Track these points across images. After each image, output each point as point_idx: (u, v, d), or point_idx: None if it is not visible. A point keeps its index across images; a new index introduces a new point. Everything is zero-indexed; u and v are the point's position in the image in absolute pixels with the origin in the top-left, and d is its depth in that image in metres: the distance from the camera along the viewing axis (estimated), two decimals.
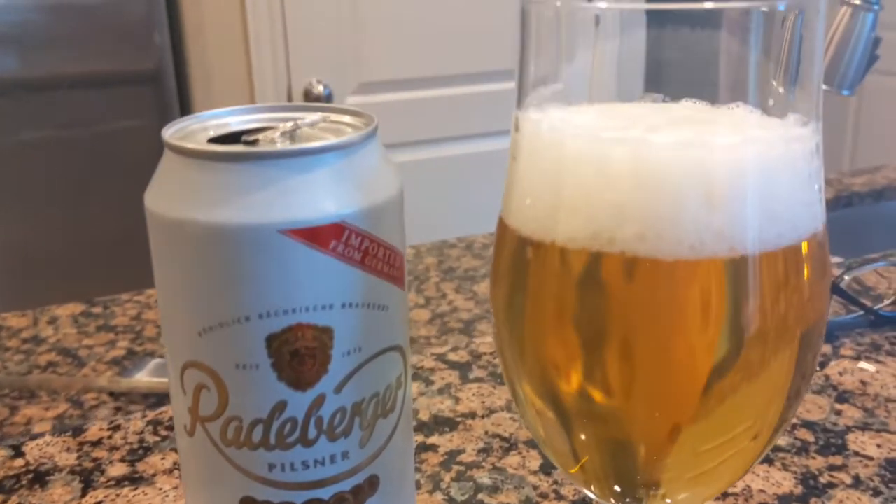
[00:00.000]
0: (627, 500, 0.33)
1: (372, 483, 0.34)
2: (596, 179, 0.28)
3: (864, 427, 0.55)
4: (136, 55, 1.82)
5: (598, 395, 0.30)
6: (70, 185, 1.78)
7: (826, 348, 0.65)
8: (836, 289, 0.67)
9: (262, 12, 1.76)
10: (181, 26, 1.85)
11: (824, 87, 0.93)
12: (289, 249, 0.30)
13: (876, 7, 0.94)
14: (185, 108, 1.87)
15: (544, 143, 0.30)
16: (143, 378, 0.77)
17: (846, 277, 0.68)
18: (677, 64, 0.33)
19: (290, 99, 1.82)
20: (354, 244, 0.31)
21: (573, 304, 0.30)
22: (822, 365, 0.63)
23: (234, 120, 0.35)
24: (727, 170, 0.28)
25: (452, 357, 0.66)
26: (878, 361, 0.63)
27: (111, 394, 0.75)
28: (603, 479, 0.32)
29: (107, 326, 0.85)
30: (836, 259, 1.12)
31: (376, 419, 0.34)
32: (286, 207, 0.30)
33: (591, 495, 0.34)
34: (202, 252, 0.30)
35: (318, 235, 0.30)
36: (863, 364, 0.63)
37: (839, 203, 1.26)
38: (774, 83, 0.31)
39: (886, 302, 0.69)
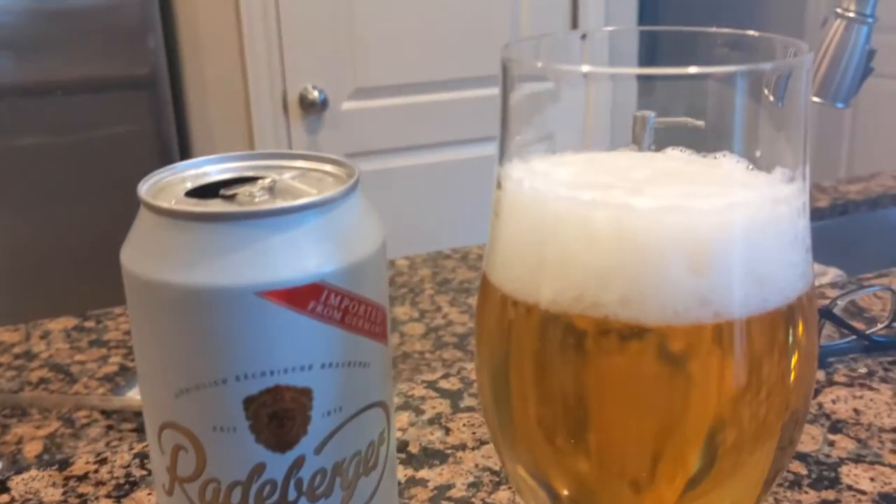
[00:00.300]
0: None
1: None
2: (578, 243, 0.28)
3: (857, 459, 0.55)
4: (130, 60, 1.81)
5: (579, 462, 0.30)
6: (65, 191, 1.77)
7: (819, 375, 0.65)
8: (829, 314, 0.66)
9: (257, 17, 1.75)
10: (175, 31, 1.84)
11: (818, 99, 0.93)
12: (266, 311, 0.29)
13: (870, 20, 0.94)
14: (180, 113, 1.86)
15: (526, 202, 0.29)
16: (136, 396, 0.76)
17: (839, 302, 0.68)
18: (663, 114, 0.32)
19: (284, 105, 1.81)
20: (334, 303, 0.31)
21: (555, 366, 0.29)
22: (816, 392, 0.62)
23: (212, 169, 0.34)
24: (712, 235, 0.27)
25: (444, 385, 0.66)
26: (871, 388, 0.63)
27: (103, 412, 0.74)
28: None
29: (99, 341, 0.84)
30: (832, 270, 1.11)
31: (358, 478, 0.33)
32: (264, 268, 0.29)
33: None
34: (177, 313, 0.30)
35: (296, 296, 0.30)
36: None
37: (834, 211, 1.26)
38: (761, 134, 0.30)
39: (880, 326, 0.69)
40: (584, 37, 0.35)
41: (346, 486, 0.33)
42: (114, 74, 1.81)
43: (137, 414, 0.74)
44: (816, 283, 0.32)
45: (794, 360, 0.29)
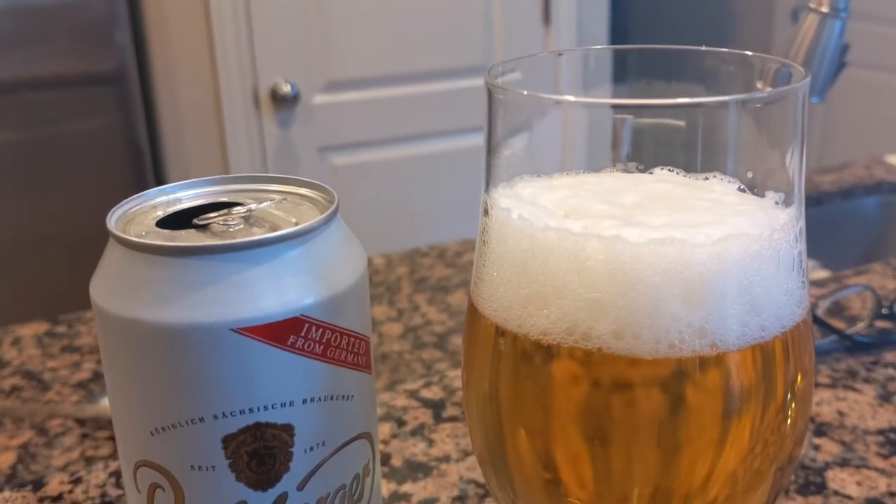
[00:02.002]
0: None
1: None
2: (570, 274, 0.27)
3: (842, 463, 0.55)
4: (97, 55, 1.78)
5: (568, 486, 0.29)
6: (34, 189, 1.74)
7: None
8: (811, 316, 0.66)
9: (227, 10, 1.72)
10: (143, 25, 1.81)
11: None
12: (244, 347, 0.28)
13: (844, 15, 0.93)
14: (150, 109, 1.83)
15: (515, 232, 0.28)
16: None
17: (821, 304, 0.68)
18: (652, 133, 0.31)
19: (256, 99, 1.78)
20: (315, 337, 0.29)
21: (546, 399, 0.28)
22: None
23: (184, 195, 0.33)
24: (706, 268, 0.26)
25: (425, 394, 0.65)
26: (854, 390, 0.63)
27: (77, 420, 0.73)
28: None
29: (72, 347, 0.83)
30: (810, 262, 1.11)
31: None
32: (240, 303, 0.28)
33: None
34: (150, 351, 0.29)
35: (275, 332, 0.28)
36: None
37: (808, 202, 1.26)
38: (753, 153, 0.30)
39: (860, 325, 0.68)
40: (560, 54, 0.34)
41: None
42: (81, 70, 1.77)
43: (111, 422, 0.72)
44: None
45: (792, 379, 0.28)
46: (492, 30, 1.89)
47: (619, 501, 0.28)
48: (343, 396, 0.31)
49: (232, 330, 0.28)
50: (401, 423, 0.61)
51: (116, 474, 0.56)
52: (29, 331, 0.85)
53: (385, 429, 0.60)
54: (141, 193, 0.33)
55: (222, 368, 0.28)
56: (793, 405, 0.28)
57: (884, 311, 0.69)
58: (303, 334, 0.29)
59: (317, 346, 0.30)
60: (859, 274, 0.84)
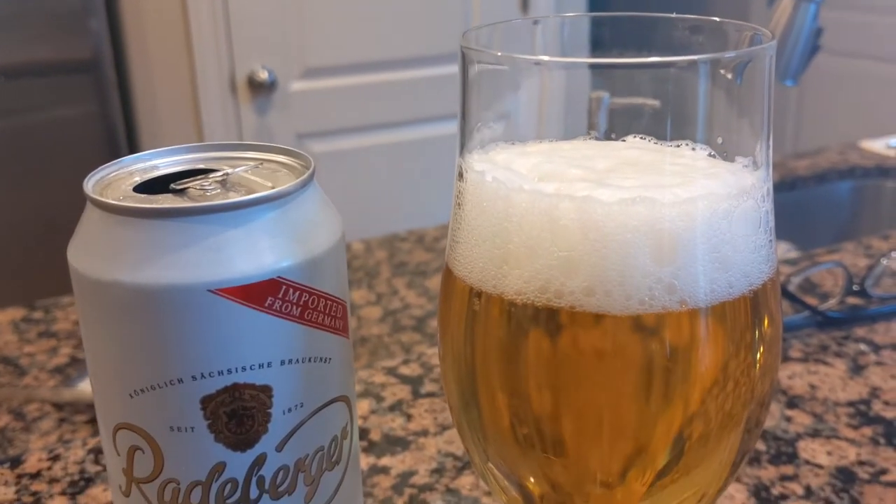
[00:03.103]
0: None
1: None
2: (543, 234, 0.27)
3: (814, 434, 0.56)
4: (72, 43, 1.76)
5: (544, 452, 0.29)
6: (9, 177, 1.73)
7: None
8: (784, 291, 0.67)
9: None
10: (118, 12, 1.79)
11: None
12: (221, 309, 0.29)
13: None
14: (126, 96, 1.82)
15: (489, 195, 0.29)
16: (88, 387, 0.74)
17: (793, 280, 0.69)
18: (625, 95, 0.32)
19: (233, 86, 1.78)
20: (292, 299, 0.30)
21: (520, 358, 0.29)
22: None
23: (161, 163, 0.33)
24: (675, 225, 0.27)
25: (404, 371, 0.65)
26: (826, 364, 0.64)
27: (55, 404, 0.73)
28: None
29: (48, 332, 0.82)
30: (783, 245, 1.13)
31: (321, 474, 0.32)
32: (218, 265, 0.28)
33: None
34: (129, 313, 0.29)
35: (252, 293, 0.29)
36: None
37: (783, 187, 1.28)
38: (722, 120, 0.30)
39: (832, 301, 0.70)
40: (536, 22, 0.34)
41: (309, 482, 0.32)
42: (56, 58, 1.76)
43: (90, 406, 0.72)
44: None
45: (760, 342, 0.29)
46: (470, 17, 1.89)
47: (589, 454, 0.29)
48: (321, 359, 0.31)
49: (209, 291, 0.28)
50: (379, 398, 0.61)
51: (95, 451, 0.56)
52: (5, 317, 0.85)
53: (364, 405, 0.60)
54: (118, 160, 0.33)
55: (200, 329, 0.29)
56: (760, 359, 0.29)
57: (855, 287, 0.70)
58: (280, 296, 0.29)
59: (294, 308, 0.30)
60: (832, 252, 0.85)
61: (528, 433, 0.29)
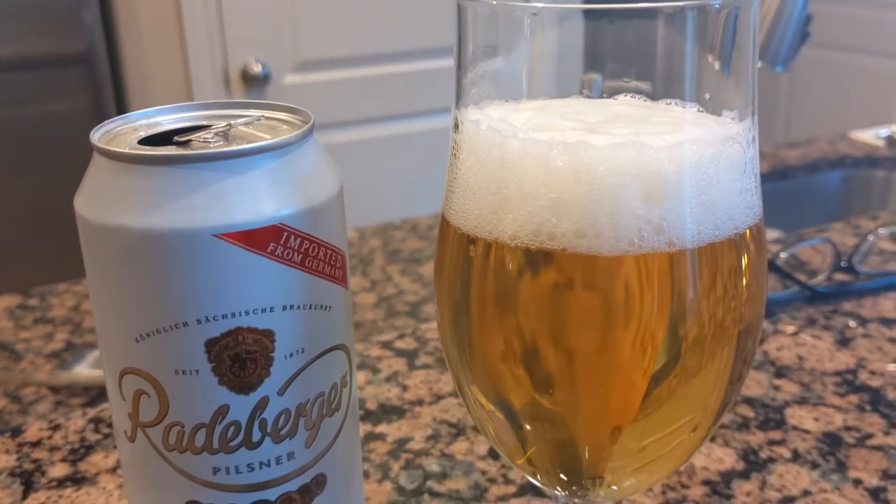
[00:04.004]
0: (574, 487, 0.33)
1: (319, 482, 0.34)
2: (536, 179, 0.28)
3: (801, 401, 0.57)
4: (66, 36, 1.77)
5: (541, 394, 0.30)
6: (1, 169, 1.73)
7: (764, 324, 0.67)
8: (772, 266, 0.68)
9: None
10: (112, 5, 1.80)
11: (758, 63, 0.95)
12: (225, 253, 0.29)
13: None
14: (119, 90, 1.82)
15: (484, 143, 0.30)
16: (84, 370, 0.75)
17: (782, 255, 0.70)
18: (614, 57, 0.33)
19: (226, 79, 1.78)
20: (293, 246, 0.31)
21: (516, 301, 0.30)
22: (761, 341, 0.64)
23: (165, 119, 0.34)
24: (663, 167, 0.28)
25: (399, 344, 0.66)
26: (814, 336, 0.65)
27: (51, 388, 0.73)
28: (550, 470, 0.32)
29: (44, 319, 0.83)
30: (773, 232, 1.14)
31: (321, 419, 0.33)
32: (221, 211, 0.29)
33: (539, 485, 0.34)
34: (135, 258, 0.30)
35: (255, 238, 0.30)
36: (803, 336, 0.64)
37: (774, 176, 1.29)
38: (710, 77, 0.31)
39: (821, 277, 0.71)
40: None
41: (309, 427, 0.33)
42: (50, 51, 1.76)
43: (86, 388, 0.73)
44: None
45: (745, 284, 0.30)
46: None
47: (579, 394, 0.30)
48: (321, 306, 0.32)
49: (214, 235, 0.29)
50: (375, 370, 0.62)
51: (95, 420, 0.57)
52: (0, 303, 0.85)
53: (360, 377, 0.61)
54: (123, 115, 0.34)
55: (205, 273, 0.30)
56: (745, 293, 0.30)
57: (843, 264, 0.71)
58: (282, 242, 0.30)
59: (295, 254, 0.31)
60: (821, 232, 0.86)
61: (523, 363, 0.30)
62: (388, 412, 0.57)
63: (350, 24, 1.82)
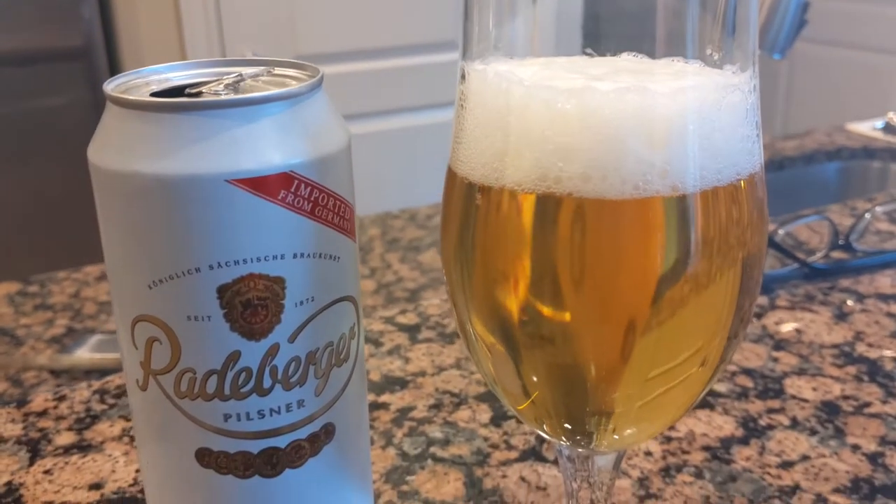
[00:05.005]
0: (578, 437, 0.34)
1: (328, 431, 0.35)
2: (542, 124, 0.29)
3: (800, 372, 0.57)
4: (64, 30, 1.77)
5: (546, 323, 0.31)
6: (1, 162, 1.73)
7: (763, 300, 0.67)
8: (771, 242, 0.69)
9: None
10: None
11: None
12: (237, 199, 0.30)
13: None
14: None
15: (491, 91, 0.30)
16: (85, 354, 0.75)
17: (780, 232, 0.70)
18: (616, 18, 0.33)
19: None
20: (304, 194, 0.31)
21: (522, 243, 0.30)
22: (760, 316, 0.65)
23: (175, 75, 0.35)
24: (668, 110, 0.28)
25: (401, 319, 0.67)
26: (812, 311, 0.66)
27: (52, 372, 0.73)
28: (553, 414, 0.33)
29: (44, 305, 0.83)
30: (771, 224, 1.15)
31: (331, 368, 0.34)
32: (233, 157, 0.30)
33: (543, 434, 0.35)
34: (148, 204, 0.30)
35: (266, 185, 0.30)
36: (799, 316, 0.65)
37: (772, 166, 1.30)
38: (711, 36, 0.32)
39: (818, 255, 0.71)
40: None
41: (319, 376, 0.33)
42: (48, 45, 1.77)
43: (87, 372, 0.73)
44: None
45: (748, 225, 0.30)
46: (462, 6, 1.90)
47: (584, 328, 0.30)
48: (330, 256, 0.33)
49: (226, 181, 0.30)
50: (378, 344, 0.63)
51: (101, 391, 0.57)
52: (0, 290, 0.85)
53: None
54: (136, 69, 0.34)
55: (217, 219, 0.30)
56: (747, 238, 0.30)
57: (840, 242, 0.72)
58: (292, 190, 0.31)
59: (306, 203, 0.31)
60: (819, 213, 0.87)
61: (532, 303, 0.31)
62: (392, 383, 0.57)
63: (349, 18, 1.82)
